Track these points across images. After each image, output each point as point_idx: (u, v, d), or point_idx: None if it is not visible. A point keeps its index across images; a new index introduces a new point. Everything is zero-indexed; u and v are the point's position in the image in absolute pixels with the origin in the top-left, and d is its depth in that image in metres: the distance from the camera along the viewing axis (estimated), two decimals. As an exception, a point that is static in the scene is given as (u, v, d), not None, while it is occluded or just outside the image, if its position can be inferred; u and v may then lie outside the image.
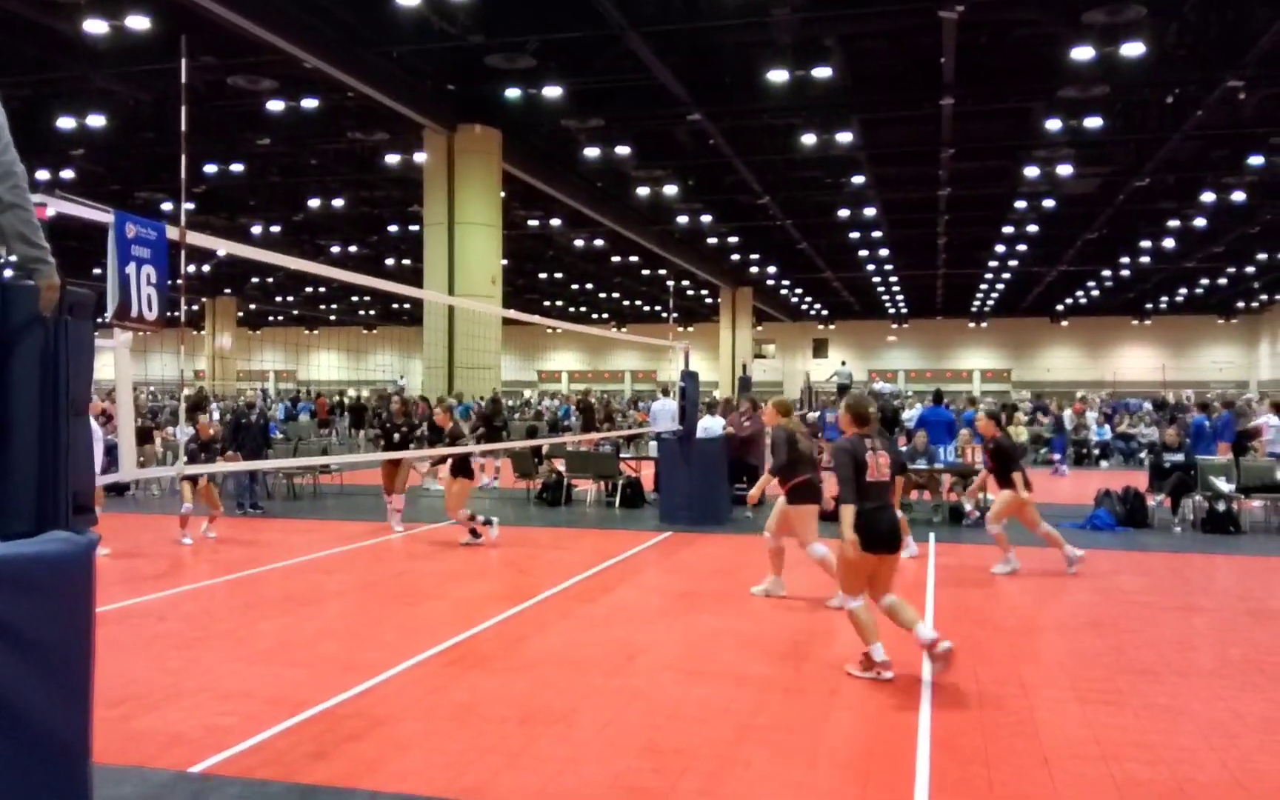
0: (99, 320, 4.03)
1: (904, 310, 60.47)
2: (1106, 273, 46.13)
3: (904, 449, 14.87)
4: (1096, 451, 25.21)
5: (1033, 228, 35.39)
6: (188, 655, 6.76)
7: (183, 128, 4.90)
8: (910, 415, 19.17)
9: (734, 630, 7.58)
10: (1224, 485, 13.04)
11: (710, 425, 15.42)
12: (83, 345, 3.82)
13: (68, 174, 27.16)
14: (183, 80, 4.85)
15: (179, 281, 5.08)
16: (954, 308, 57.98)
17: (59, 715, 3.47)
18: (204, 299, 54.37)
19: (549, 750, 4.98)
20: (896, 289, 52.85)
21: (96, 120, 23.06)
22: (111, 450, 12.93)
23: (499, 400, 20.62)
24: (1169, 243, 37.43)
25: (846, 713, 5.63)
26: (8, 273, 3.42)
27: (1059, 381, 54.30)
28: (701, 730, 5.29)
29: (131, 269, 4.24)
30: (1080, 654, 6.93)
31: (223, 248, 5.16)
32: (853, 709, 5.69)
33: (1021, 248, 39.62)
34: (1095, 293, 52.46)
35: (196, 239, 4.94)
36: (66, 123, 22.94)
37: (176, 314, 5.35)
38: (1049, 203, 31.22)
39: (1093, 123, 22.40)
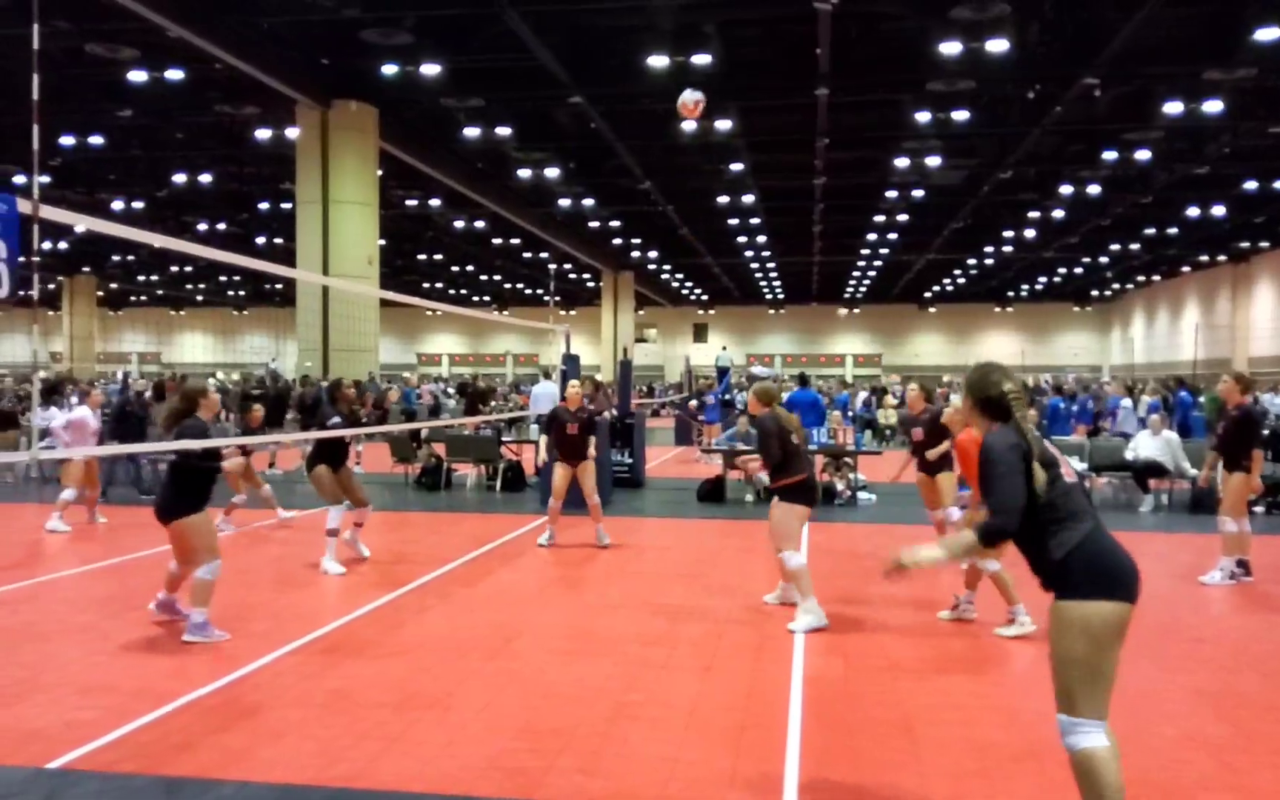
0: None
1: (781, 296, 61.78)
2: (971, 261, 48.08)
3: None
4: (961, 433, 26.24)
5: (903, 217, 36.59)
6: (44, 648, 6.47)
7: (34, 96, 4.67)
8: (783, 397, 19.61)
9: (610, 611, 7.67)
10: (1077, 464, 13.80)
11: (539, 393, 15.97)
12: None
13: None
14: (34, 46, 4.62)
15: (32, 258, 4.85)
16: (828, 294, 59.55)
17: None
18: (60, 278, 51.62)
19: (426, 734, 4.96)
20: (774, 275, 53.92)
21: (-64, 86, 21.60)
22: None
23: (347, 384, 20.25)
24: (1029, 233, 39.26)
25: (719, 688, 5.77)
26: None
27: (926, 366, 56.40)
28: (578, 710, 5.35)
29: (-22, 244, 4.04)
30: (941, 628, 7.26)
31: (81, 223, 4.94)
32: (726, 684, 5.84)
33: (892, 236, 40.92)
34: (961, 280, 54.63)
35: (51, 213, 4.72)
36: (-98, 86, 21.46)
37: (29, 293, 5.11)
38: (918, 193, 32.32)
39: (960, 116, 23.29)
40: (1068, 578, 3.43)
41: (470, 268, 52.04)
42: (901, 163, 28.06)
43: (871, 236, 41.05)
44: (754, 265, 49.90)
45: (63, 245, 44.45)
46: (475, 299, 62.53)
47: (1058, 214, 35.10)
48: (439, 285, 57.46)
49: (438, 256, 48.02)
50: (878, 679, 5.95)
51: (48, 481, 15.81)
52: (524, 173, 30.76)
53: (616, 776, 4.49)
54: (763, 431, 7.32)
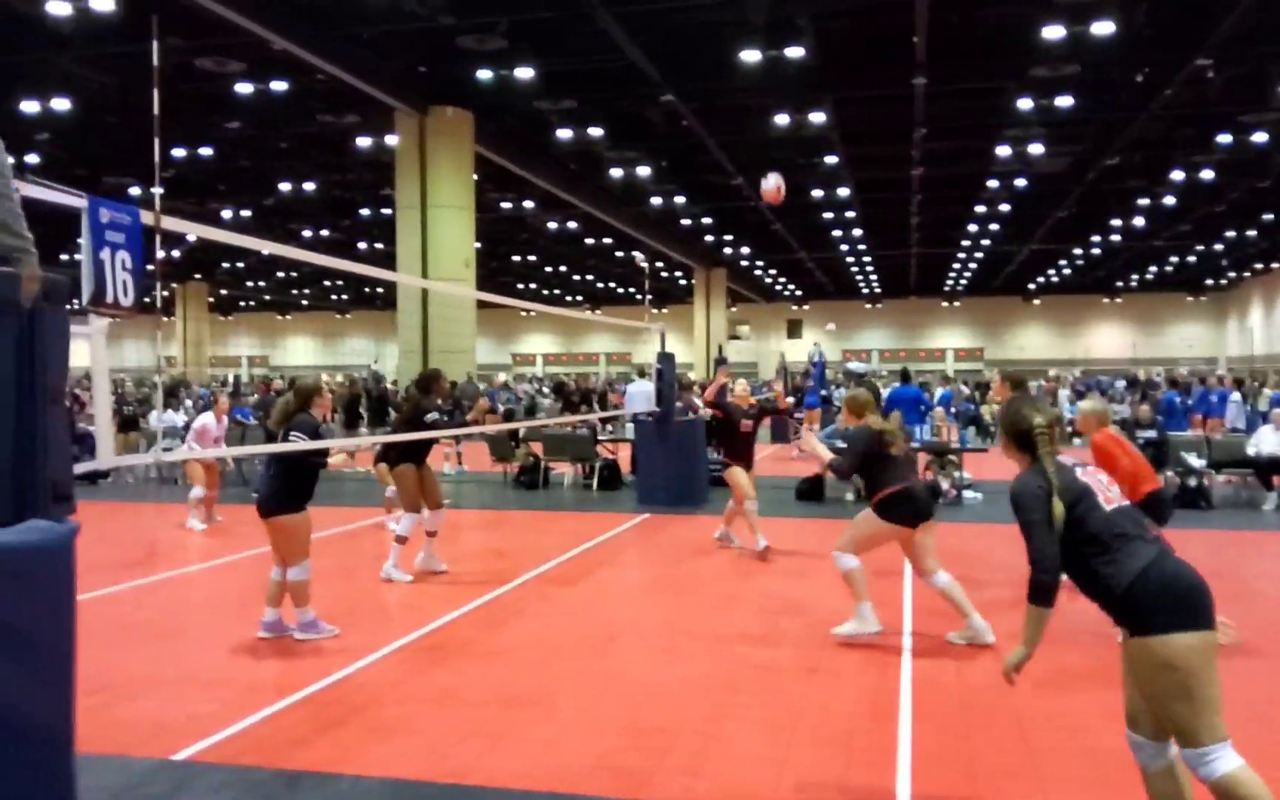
0: (74, 307, 3.99)
1: (878, 290, 60.75)
2: (1077, 251, 46.54)
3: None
4: (1069, 429, 25.44)
5: (1005, 207, 35.61)
6: (167, 644, 6.73)
7: (155, 111, 4.84)
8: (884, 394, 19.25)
9: (711, 611, 7.63)
10: (1195, 461, 13.23)
11: (634, 392, 15.92)
12: (59, 332, 3.79)
13: (32, 158, 26.72)
14: (155, 62, 4.79)
15: (150, 267, 5.04)
16: (927, 287, 58.32)
17: (42, 704, 3.45)
18: (174, 285, 53.77)
19: (531, 732, 5.00)
20: (870, 269, 53.07)
21: (61, 103, 22.69)
22: (83, 438, 12.85)
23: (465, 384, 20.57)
24: (1138, 221, 37.80)
25: (826, 689, 5.68)
26: None
27: (1031, 360, 54.79)
28: (682, 709, 5.32)
29: (106, 255, 4.20)
30: (1054, 628, 7.02)
31: (197, 232, 5.11)
32: (833, 685, 5.75)
33: (994, 227, 39.87)
34: (1066, 271, 52.94)
35: (171, 224, 4.89)
36: (30, 106, 22.57)
37: (149, 298, 5.31)
38: (1021, 182, 31.41)
39: (1063, 102, 22.53)
40: (1137, 611, 3.28)
41: (563, 268, 52.50)
42: (1003, 151, 27.29)
43: (972, 227, 40.06)
44: (849, 259, 49.18)
45: (176, 254, 46.32)
46: (568, 299, 63.08)
47: (1168, 201, 33.70)
48: (533, 286, 58.11)
49: (532, 258, 48.56)
50: (990, 684, 5.78)
51: (166, 481, 16.48)
52: (616, 172, 30.87)
53: (723, 778, 4.45)
54: (851, 448, 6.91)
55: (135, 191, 29.94)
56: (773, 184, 10.30)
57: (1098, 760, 4.63)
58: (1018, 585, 7.60)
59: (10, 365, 3.59)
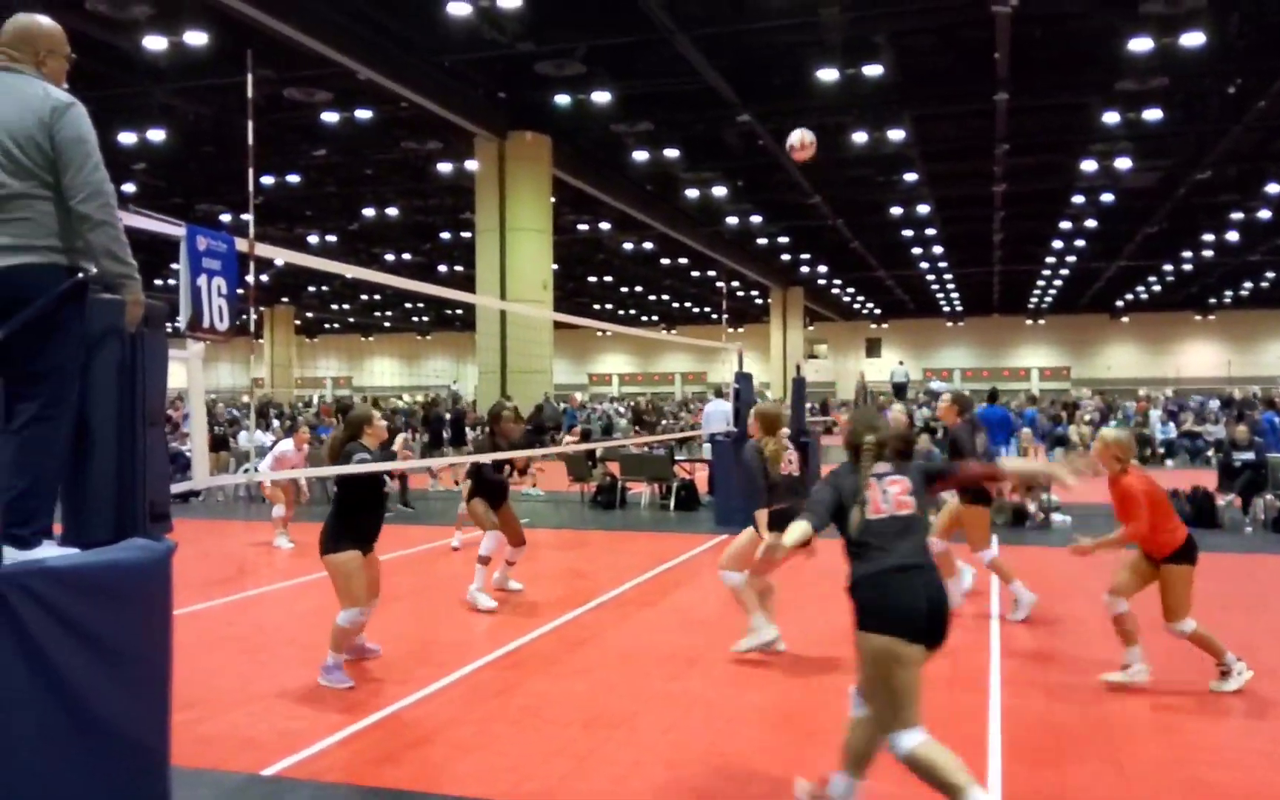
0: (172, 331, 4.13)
1: (959, 308, 59.70)
2: (1168, 267, 45.14)
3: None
4: (1161, 450, 24.65)
5: (1091, 222, 34.76)
6: (256, 660, 6.88)
7: (249, 141, 4.99)
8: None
9: (794, 635, 7.53)
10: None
11: (712, 412, 15.79)
12: (158, 356, 3.92)
13: (129, 188, 27.79)
14: (249, 94, 4.94)
15: (241, 291, 5.18)
16: (1011, 305, 57.10)
17: (140, 719, 3.55)
18: (262, 308, 55.38)
19: (614, 755, 4.98)
20: (951, 286, 52.20)
21: (157, 134, 23.57)
22: (175, 458, 13.28)
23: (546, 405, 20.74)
24: (1232, 235, 36.53)
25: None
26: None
27: (1119, 379, 53.25)
28: (767, 734, 5.26)
29: (203, 281, 4.34)
30: (1150, 656, 6.77)
31: (288, 258, 5.25)
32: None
33: (1079, 243, 38.94)
34: (1156, 288, 51.37)
35: (264, 250, 5.03)
36: (128, 137, 23.48)
37: (242, 320, 5.46)
38: (1107, 197, 30.64)
39: (1152, 115, 21.96)
40: (855, 607, 3.88)
41: (639, 288, 52.73)
42: (1089, 166, 26.66)
43: (1057, 244, 39.18)
44: (930, 277, 48.47)
45: (264, 278, 47.68)
46: (644, 319, 63.27)
47: (1263, 215, 32.51)
48: (609, 306, 58.47)
49: (608, 278, 48.88)
50: (1082, 712, 5.59)
51: (254, 500, 16.90)
52: (692, 193, 30.94)
53: (807, 807, 4.37)
54: (744, 471, 6.78)
55: (226, 218, 30.94)
56: (797, 138, 9.13)
57: (1200, 794, 4.44)
58: (1105, 613, 7.36)
59: (113, 389, 3.72)
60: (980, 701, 5.81)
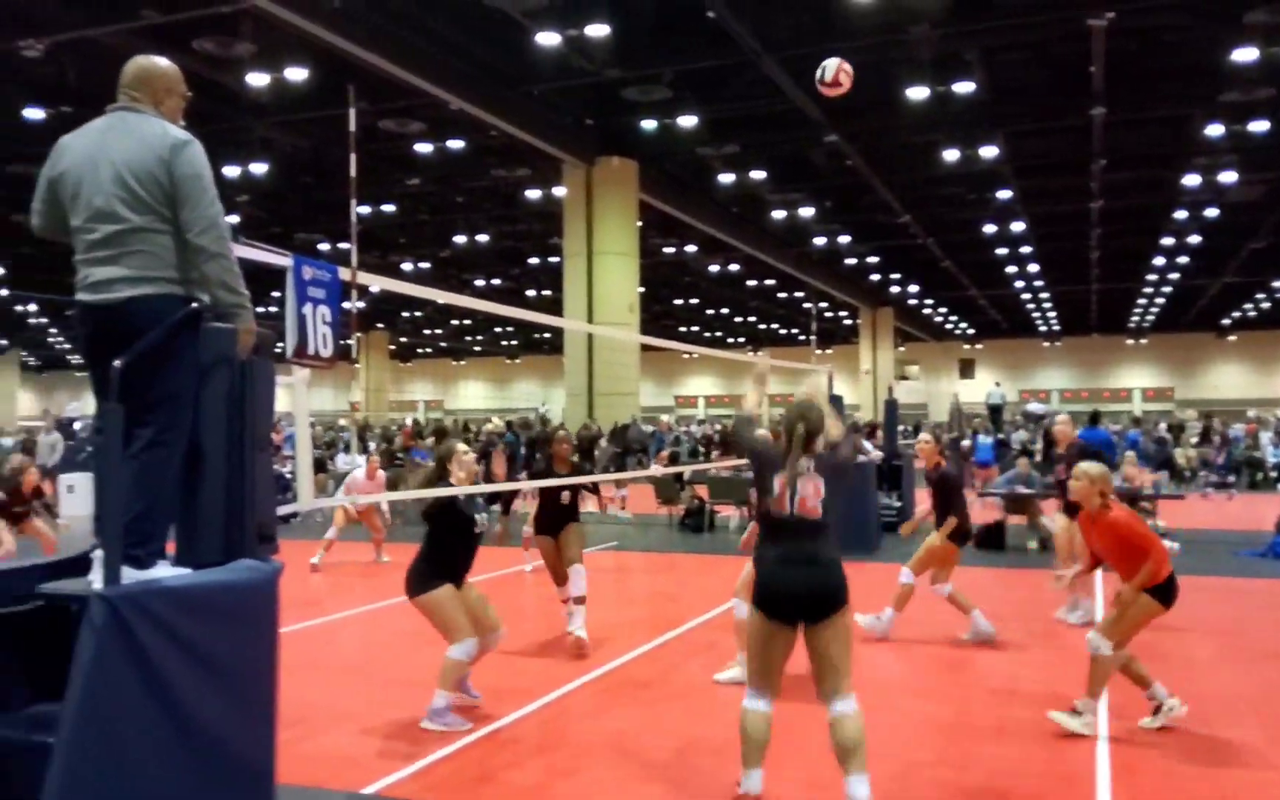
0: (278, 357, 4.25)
1: (1056, 327, 58.09)
2: (1277, 284, 43.27)
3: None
4: (1274, 474, 23.58)
5: (1194, 238, 33.54)
6: (355, 679, 7.01)
7: (352, 173, 5.12)
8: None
9: (892, 662, 7.38)
10: None
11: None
12: (266, 382, 4.04)
13: (232, 218, 28.55)
14: (351, 128, 5.08)
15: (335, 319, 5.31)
16: (1110, 324, 55.32)
17: (248, 736, 3.64)
18: (358, 334, 56.84)
19: (712, 782, 4.93)
20: (1048, 305, 50.84)
21: (259, 167, 24.43)
22: (276, 480, 13.67)
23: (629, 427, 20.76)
24: (1345, 250, 34.88)
25: (1016, 749, 5.38)
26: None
27: (1226, 399, 51.10)
28: (870, 764, 5.14)
29: (308, 309, 4.46)
30: (1268, 690, 6.46)
31: (387, 286, 5.37)
32: (1022, 745, 5.44)
33: (1182, 259, 37.59)
34: (1265, 305, 49.23)
35: (366, 279, 5.15)
36: (231, 170, 24.36)
37: (342, 346, 5.59)
38: (1211, 211, 29.53)
39: (1258, 127, 21.13)
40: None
41: (725, 310, 52.60)
42: (1191, 180, 25.74)
43: (1158, 261, 37.87)
44: (1025, 295, 47.29)
45: (360, 305, 48.95)
46: (730, 341, 63.07)
47: (1381, 227, 30.98)
48: (695, 328, 58.45)
49: (693, 301, 48.88)
50: (1193, 746, 5.35)
51: (351, 521, 17.28)
52: (778, 214, 30.80)
53: (908, 841, 4.27)
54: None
55: (324, 247, 31.85)
56: (831, 70, 6.99)
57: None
58: (1218, 639, 7.02)
59: (223, 414, 3.84)
60: (1086, 740, 5.60)
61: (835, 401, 13.56)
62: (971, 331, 61.26)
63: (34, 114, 19.85)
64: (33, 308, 48.07)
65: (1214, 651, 7.65)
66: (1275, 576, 10.85)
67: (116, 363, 3.21)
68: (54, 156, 3.59)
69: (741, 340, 63.80)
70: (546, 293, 42.57)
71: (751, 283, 43.17)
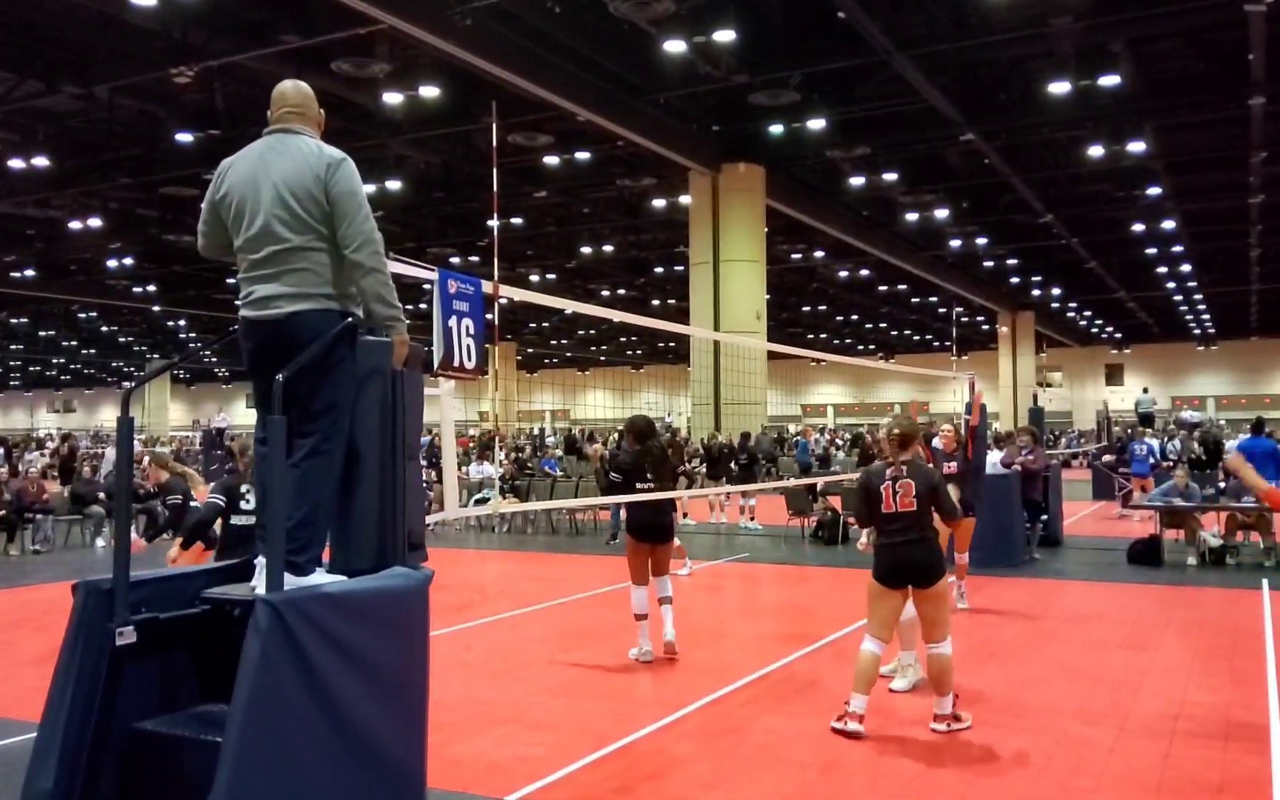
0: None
1: (1211, 330, 54.99)
2: None
3: (1225, 484, 13.47)
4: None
5: (1364, 232, 31.28)
6: (495, 685, 7.09)
7: (494, 187, 5.19)
8: (1230, 445, 17.26)
9: (1043, 682, 7.04)
10: None
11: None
12: (416, 394, 4.11)
13: (374, 238, 29.85)
14: (493, 143, 5.15)
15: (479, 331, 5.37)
16: (1271, 326, 52.01)
17: (402, 739, 3.69)
18: (488, 345, 58.12)
19: (861, 795, 4.78)
20: (1201, 307, 48.18)
21: (393, 183, 25.24)
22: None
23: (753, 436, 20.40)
24: None
25: (1180, 774, 5.04)
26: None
27: (1403, 404, 47.42)
28: (1019, 789, 4.91)
29: (454, 322, 4.53)
30: None
31: (525, 297, 5.43)
32: (1188, 770, 5.09)
33: (1351, 255, 35.12)
34: None
35: (507, 291, 5.21)
36: (367, 187, 25.14)
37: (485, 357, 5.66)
38: (1383, 203, 27.48)
39: None
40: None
41: (854, 317, 51.71)
42: (1361, 170, 24.03)
43: (1324, 257, 35.49)
44: (1176, 297, 44.93)
45: (489, 316, 50.04)
46: (860, 348, 61.98)
47: None
48: (823, 336, 57.66)
49: (821, 307, 48.21)
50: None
51: (484, 529, 17.65)
52: (911, 216, 30.07)
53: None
54: None
55: (455, 260, 32.68)
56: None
57: None
58: None
59: (375, 425, 3.92)
60: (1260, 761, 5.21)
61: (980, 410, 13.09)
62: (1119, 335, 58.57)
63: (184, 138, 20.98)
64: (183, 322, 50.96)
65: None
66: None
67: (280, 376, 3.31)
68: (216, 180, 3.73)
69: (872, 347, 62.62)
70: (671, 301, 42.67)
71: (883, 288, 42.32)
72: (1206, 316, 50.99)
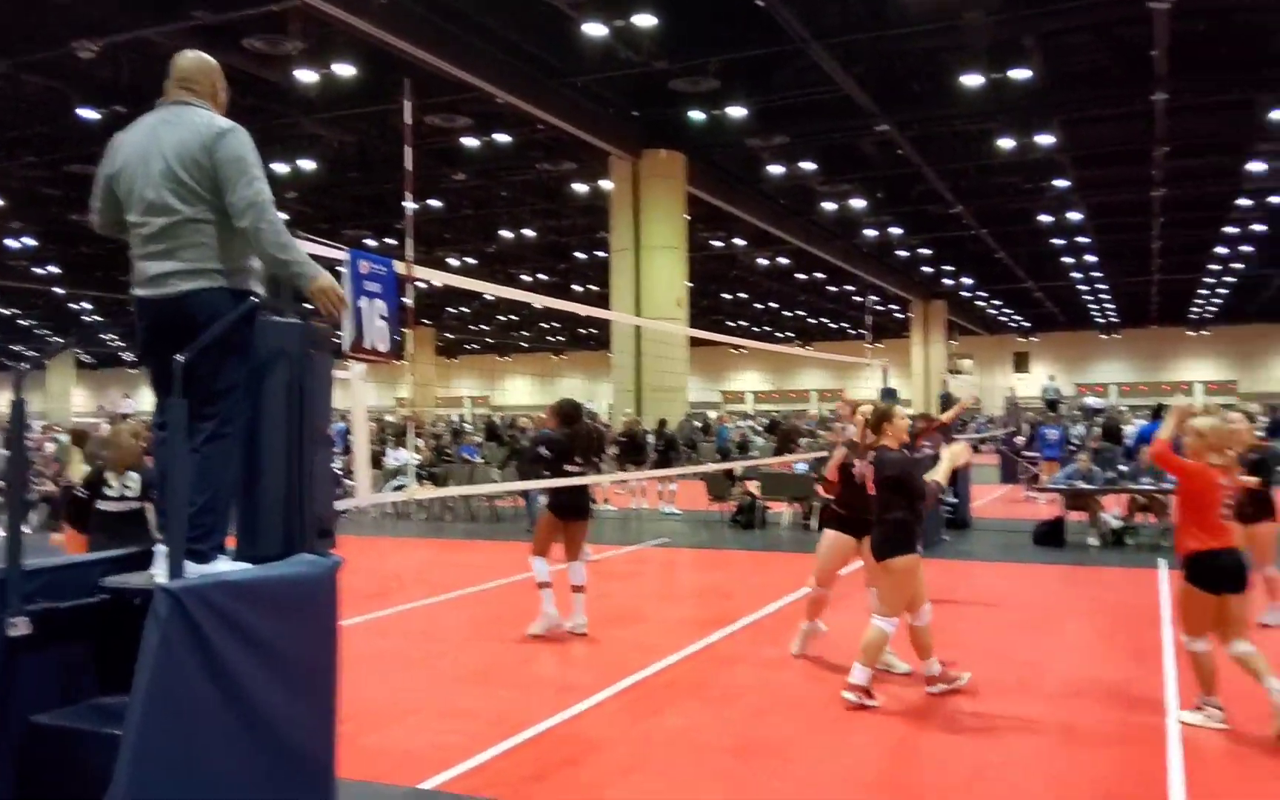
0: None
1: (1114, 319, 56.95)
2: (1345, 273, 42.05)
3: (1125, 467, 13.94)
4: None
5: (1259, 227, 32.68)
6: (411, 673, 6.99)
7: (408, 167, 5.08)
8: (1129, 432, 17.89)
9: (953, 656, 7.20)
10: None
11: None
12: (323, 377, 3.99)
13: (281, 215, 29.13)
14: (407, 121, 5.04)
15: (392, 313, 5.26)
16: (1171, 315, 54.10)
17: (310, 729, 3.60)
18: (404, 329, 57.26)
19: (770, 783, 4.83)
20: (1105, 297, 49.85)
21: (306, 163, 24.65)
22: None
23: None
24: None
25: (1085, 755, 5.20)
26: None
27: (1292, 392, 49.78)
28: (934, 769, 5.03)
29: (364, 303, 4.41)
30: None
31: (443, 279, 5.33)
32: (1091, 752, 5.26)
33: (1246, 249, 36.65)
34: (1334, 295, 47.92)
35: (421, 272, 5.11)
36: (280, 167, 24.58)
37: (397, 341, 5.54)
38: (1277, 199, 28.75)
39: (1327, 110, 20.48)
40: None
41: (773, 304, 52.25)
42: (1257, 167, 25.06)
43: (1222, 250, 36.95)
44: (1082, 287, 46.40)
45: (408, 300, 49.31)
46: (779, 335, 62.68)
47: None
48: (743, 323, 58.15)
49: (741, 295, 48.62)
50: (1272, 752, 5.13)
51: (401, 516, 17.40)
52: (829, 206, 30.48)
53: (981, 847, 4.13)
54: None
55: (371, 243, 32.10)
56: None
57: None
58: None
59: (282, 408, 3.80)
60: (1156, 737, 5.41)
61: (890, 395, 13.34)
62: (1027, 324, 60.28)
63: (88, 114, 20.21)
64: (88, 305, 49.14)
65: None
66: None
67: (179, 357, 3.18)
68: (109, 154, 3.57)
69: (790, 335, 63.36)
70: (593, 288, 42.57)
71: (801, 276, 42.82)
72: (1110, 306, 52.77)
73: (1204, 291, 47.55)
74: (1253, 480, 7.12)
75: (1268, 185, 27.08)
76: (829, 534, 7.18)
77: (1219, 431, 5.65)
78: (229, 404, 3.46)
